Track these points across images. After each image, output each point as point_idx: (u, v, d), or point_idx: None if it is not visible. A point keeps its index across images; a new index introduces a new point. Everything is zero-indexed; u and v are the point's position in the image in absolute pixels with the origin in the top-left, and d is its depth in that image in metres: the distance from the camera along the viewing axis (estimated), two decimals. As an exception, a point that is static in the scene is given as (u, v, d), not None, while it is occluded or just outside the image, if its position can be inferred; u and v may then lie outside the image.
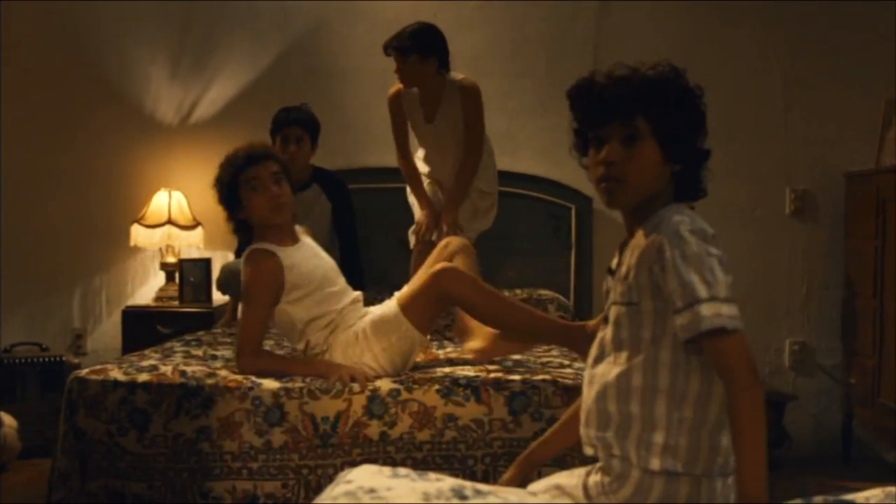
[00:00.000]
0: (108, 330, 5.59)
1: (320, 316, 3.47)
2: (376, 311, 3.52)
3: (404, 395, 3.08)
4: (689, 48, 5.31)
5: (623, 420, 1.97)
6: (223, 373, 3.29)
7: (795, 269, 5.41)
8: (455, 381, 3.14)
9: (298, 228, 3.70)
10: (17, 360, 4.89)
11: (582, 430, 2.08)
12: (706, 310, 1.84)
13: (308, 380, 3.18)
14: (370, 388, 3.12)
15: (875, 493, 1.86)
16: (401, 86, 4.56)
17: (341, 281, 3.62)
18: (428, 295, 3.37)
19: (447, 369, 3.32)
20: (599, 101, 2.03)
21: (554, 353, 3.72)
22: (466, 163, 4.52)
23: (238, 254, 4.82)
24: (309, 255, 3.57)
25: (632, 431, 1.95)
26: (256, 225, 3.52)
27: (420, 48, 4.38)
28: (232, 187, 3.47)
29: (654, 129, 1.99)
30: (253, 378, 3.19)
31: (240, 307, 3.46)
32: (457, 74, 4.52)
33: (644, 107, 1.99)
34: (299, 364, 3.39)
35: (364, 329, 3.40)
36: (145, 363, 3.39)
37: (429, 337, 3.74)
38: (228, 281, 4.78)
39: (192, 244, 5.42)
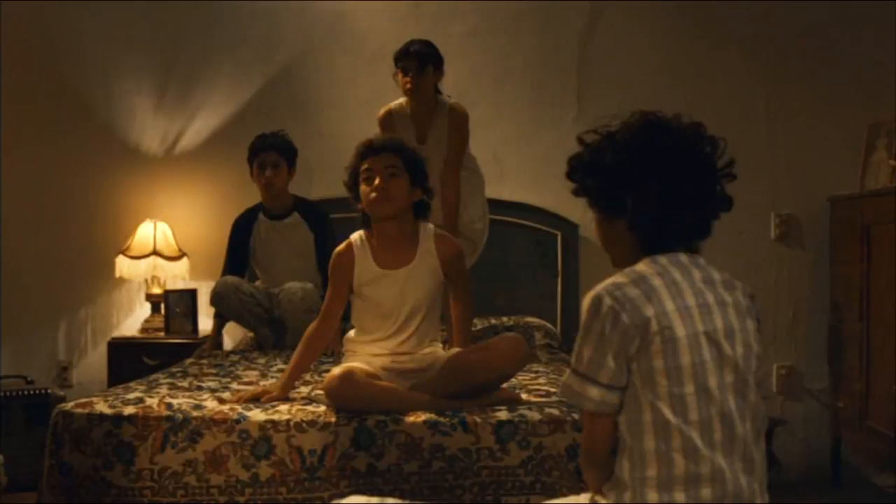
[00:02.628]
0: (94, 362, 5.58)
1: (358, 325, 3.56)
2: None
3: (391, 426, 3.07)
4: (673, 76, 5.35)
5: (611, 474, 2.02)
6: (210, 405, 3.26)
7: (782, 294, 5.43)
8: (441, 411, 3.13)
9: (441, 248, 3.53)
10: (1, 394, 4.85)
11: None
12: (566, 377, 2.02)
13: (294, 411, 3.17)
14: (356, 420, 3.10)
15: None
16: (390, 107, 4.56)
17: (399, 322, 3.47)
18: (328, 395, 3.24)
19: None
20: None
21: (541, 381, 3.71)
22: (446, 192, 4.46)
23: None
24: (390, 285, 3.45)
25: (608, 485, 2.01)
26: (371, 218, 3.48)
27: (437, 59, 4.41)
28: (353, 177, 3.46)
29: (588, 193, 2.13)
30: (239, 410, 3.18)
31: None
32: (448, 97, 4.54)
33: (580, 176, 2.13)
34: (293, 363, 3.47)
35: None
36: (131, 395, 3.37)
37: None
38: (221, 294, 4.77)
39: (177, 275, 5.41)
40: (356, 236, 3.52)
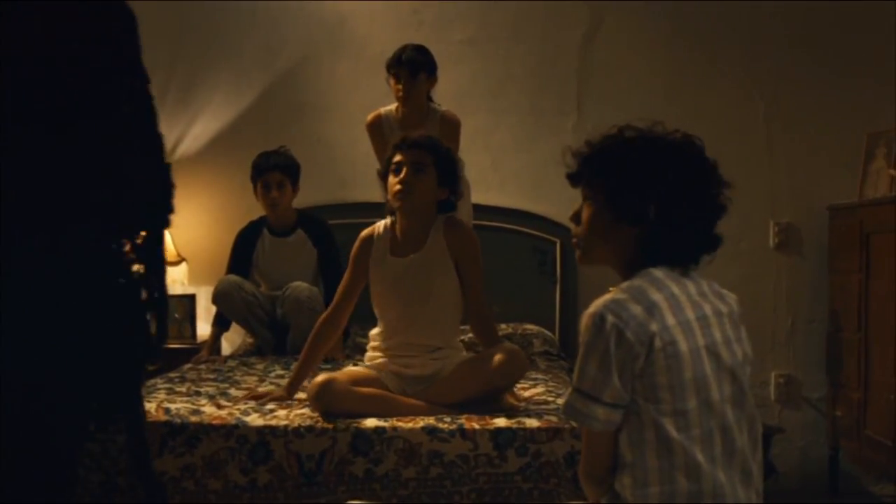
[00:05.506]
0: (92, 366, 5.55)
1: (378, 318, 3.61)
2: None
3: (389, 432, 3.07)
4: (672, 84, 5.34)
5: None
6: (208, 410, 3.26)
7: (780, 303, 5.42)
8: (440, 417, 3.13)
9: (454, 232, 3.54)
10: (-1, 398, 4.84)
11: None
12: (569, 396, 1.97)
13: (292, 416, 3.17)
14: (354, 425, 3.10)
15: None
16: (380, 111, 4.55)
17: (405, 313, 3.52)
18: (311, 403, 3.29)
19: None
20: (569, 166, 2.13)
21: (539, 388, 3.71)
22: None
23: None
24: (398, 269, 3.51)
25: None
26: None
27: (430, 66, 4.40)
28: (386, 168, 3.51)
29: (602, 190, 2.05)
30: (238, 416, 3.18)
31: None
32: (439, 105, 4.53)
33: (587, 171, 2.08)
34: (300, 360, 3.57)
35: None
36: (129, 401, 3.36)
37: None
38: (224, 292, 4.75)
39: (176, 280, 5.39)
40: (382, 222, 3.61)
